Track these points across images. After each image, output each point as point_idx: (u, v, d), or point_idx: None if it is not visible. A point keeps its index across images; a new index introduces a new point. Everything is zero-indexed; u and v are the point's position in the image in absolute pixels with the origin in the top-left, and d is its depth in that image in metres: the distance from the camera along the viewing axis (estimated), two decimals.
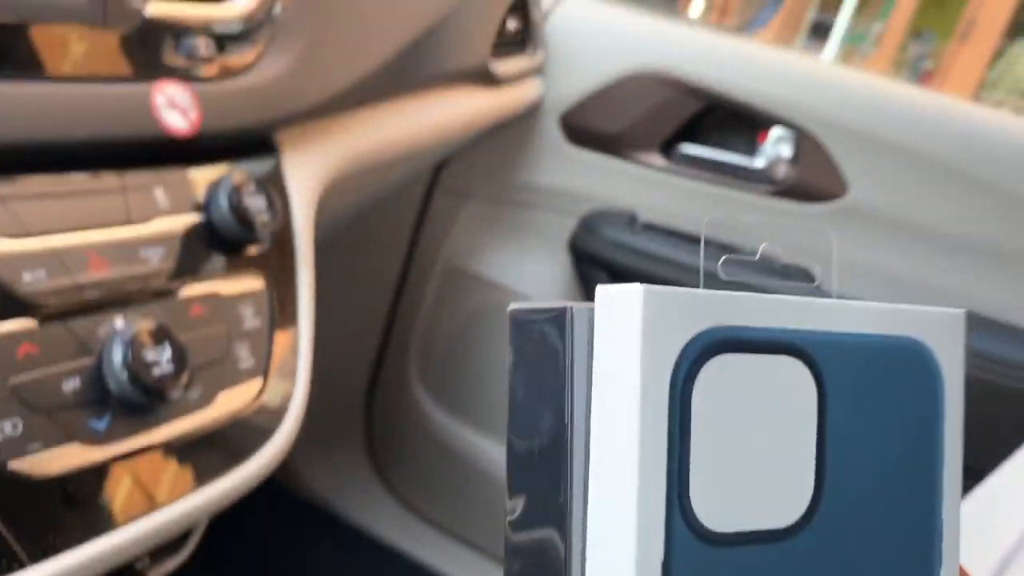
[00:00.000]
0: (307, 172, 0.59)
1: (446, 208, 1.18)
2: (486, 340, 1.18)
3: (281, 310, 0.53)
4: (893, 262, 0.94)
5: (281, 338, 0.52)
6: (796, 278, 1.03)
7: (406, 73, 0.76)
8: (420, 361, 1.23)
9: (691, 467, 0.23)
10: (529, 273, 1.14)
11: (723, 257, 0.27)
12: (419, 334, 1.22)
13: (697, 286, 0.24)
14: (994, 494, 0.75)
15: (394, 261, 1.23)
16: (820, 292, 0.29)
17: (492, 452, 1.19)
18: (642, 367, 0.23)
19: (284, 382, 0.52)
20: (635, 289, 0.23)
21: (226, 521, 1.25)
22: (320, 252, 1.23)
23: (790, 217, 0.99)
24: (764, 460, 0.24)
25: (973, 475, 0.79)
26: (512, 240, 1.15)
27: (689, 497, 0.23)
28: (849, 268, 0.97)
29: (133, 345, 0.41)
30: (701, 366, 0.23)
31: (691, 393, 0.23)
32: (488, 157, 1.13)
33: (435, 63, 0.84)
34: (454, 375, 1.21)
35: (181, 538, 0.58)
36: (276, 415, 0.51)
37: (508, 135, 1.10)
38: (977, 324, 0.91)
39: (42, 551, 0.38)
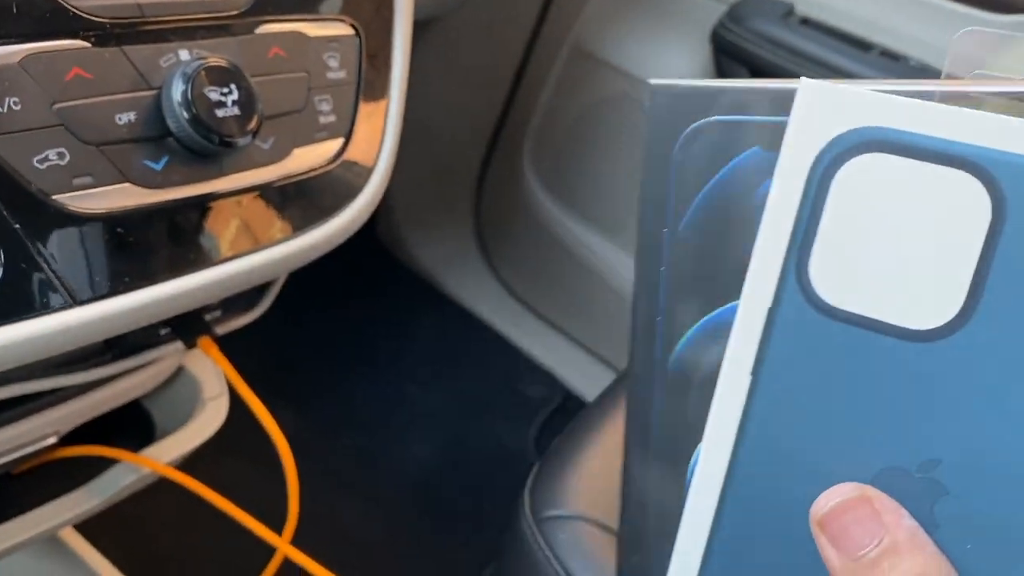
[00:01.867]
0: None
1: None
2: (605, 131, 1.10)
3: (371, 64, 0.47)
4: None
5: (370, 95, 0.47)
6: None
7: None
8: (535, 147, 1.17)
9: (816, 241, 0.25)
10: (662, 64, 1.04)
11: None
12: (537, 119, 1.15)
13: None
14: None
15: (518, 41, 1.14)
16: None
17: (596, 245, 1.14)
18: (789, 150, 0.25)
19: (370, 142, 0.47)
20: (800, 83, 0.25)
21: (332, 282, 1.28)
22: (443, 28, 1.16)
23: (968, 25, 0.84)
24: (906, 262, 0.24)
25: None
26: (648, 25, 1.04)
27: (808, 266, 0.25)
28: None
29: (196, 81, 0.37)
30: (848, 159, 0.24)
31: (831, 179, 0.25)
32: None
33: None
34: (568, 164, 1.15)
35: (258, 293, 0.57)
36: (360, 175, 0.46)
37: None
38: None
39: (91, 291, 0.36)
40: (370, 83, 0.47)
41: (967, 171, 0.24)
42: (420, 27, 1.16)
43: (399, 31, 0.49)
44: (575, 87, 1.11)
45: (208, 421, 0.66)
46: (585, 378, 1.21)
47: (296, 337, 1.21)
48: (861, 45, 0.90)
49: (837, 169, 0.25)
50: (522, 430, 1.15)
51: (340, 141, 0.46)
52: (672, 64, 1.03)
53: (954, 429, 0.25)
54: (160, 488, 0.66)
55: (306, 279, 1.30)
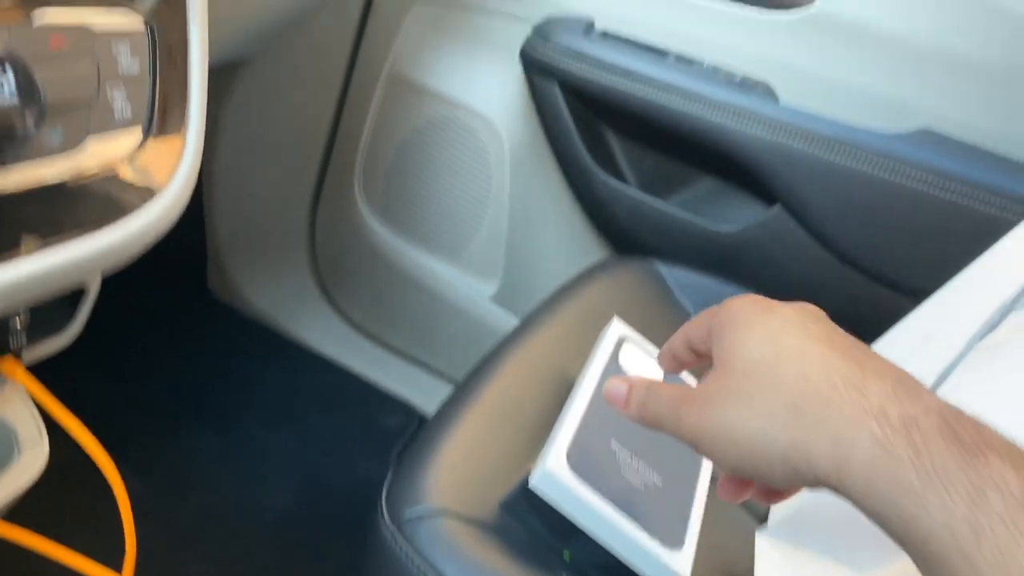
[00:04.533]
0: None
1: (389, 13, 1.09)
2: (432, 154, 1.12)
3: (169, 60, 0.47)
4: (855, 75, 0.89)
5: (166, 90, 0.46)
6: (755, 92, 0.95)
7: None
8: (365, 177, 1.18)
9: None
10: (478, 85, 1.07)
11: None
12: (363, 148, 1.16)
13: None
14: (938, 310, 0.73)
15: (335, 74, 1.15)
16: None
17: (434, 267, 1.16)
18: None
19: (171, 138, 0.46)
20: None
21: (165, 340, 1.22)
22: (255, 71, 1.15)
23: (752, 25, 0.92)
24: None
25: (920, 294, 0.77)
26: (460, 48, 1.08)
27: None
28: (810, 80, 0.92)
29: None
30: None
31: None
32: None
33: None
34: (399, 191, 1.16)
35: (67, 317, 0.54)
36: (162, 172, 0.45)
37: None
38: (932, 140, 0.87)
39: None
40: (167, 78, 0.47)
41: None
42: (230, 72, 1.15)
43: (195, 26, 0.48)
44: (397, 114, 1.12)
45: (24, 470, 0.61)
46: (439, 400, 1.20)
47: (132, 400, 1.15)
48: (658, 52, 0.96)
49: None
50: (382, 460, 1.14)
51: (138, 135, 0.45)
52: (488, 83, 1.07)
53: None
54: None
55: (139, 339, 1.24)
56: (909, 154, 0.86)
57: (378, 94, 1.12)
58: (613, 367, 0.64)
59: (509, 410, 0.67)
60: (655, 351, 0.69)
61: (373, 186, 1.17)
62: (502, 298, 1.13)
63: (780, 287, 0.94)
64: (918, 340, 0.70)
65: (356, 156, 1.16)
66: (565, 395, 0.62)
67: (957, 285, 0.72)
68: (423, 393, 1.21)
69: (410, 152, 1.13)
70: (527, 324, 0.77)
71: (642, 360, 0.67)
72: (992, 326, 0.55)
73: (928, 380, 0.62)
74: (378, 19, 1.10)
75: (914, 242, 0.88)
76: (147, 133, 0.45)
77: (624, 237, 1.03)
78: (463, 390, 0.71)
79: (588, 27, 0.99)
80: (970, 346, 0.55)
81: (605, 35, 0.98)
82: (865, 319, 0.90)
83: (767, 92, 0.93)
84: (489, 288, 1.14)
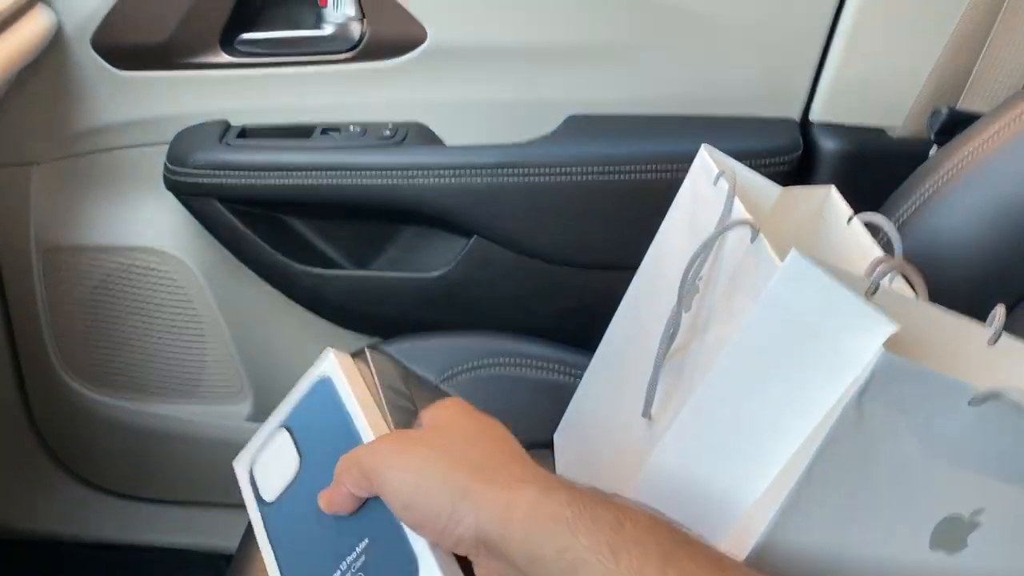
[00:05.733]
0: None
1: (10, 184, 0.99)
2: (124, 306, 1.04)
3: None
4: (491, 90, 0.90)
5: None
6: (412, 137, 0.92)
7: None
8: (59, 349, 1.07)
9: None
10: (139, 224, 1.00)
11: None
12: (46, 323, 1.06)
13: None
14: (631, 310, 0.75)
15: None
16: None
17: (176, 413, 1.09)
18: None
19: None
20: None
21: None
22: None
23: (380, 77, 0.91)
24: None
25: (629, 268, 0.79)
26: (104, 194, 1.00)
27: None
28: (456, 109, 0.92)
29: None
30: None
31: None
32: (30, 113, 0.94)
33: None
34: (101, 351, 1.07)
35: None
36: None
37: (41, 81, 0.91)
38: (580, 124, 0.90)
39: None
40: None
41: None
42: None
43: None
44: (67, 281, 1.03)
45: None
46: (229, 532, 1.15)
47: None
48: (302, 131, 0.93)
49: None
50: None
51: None
52: (148, 221, 1.00)
53: None
54: None
55: None
56: (559, 150, 0.89)
57: (37, 269, 1.02)
58: None
59: None
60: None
61: (74, 356, 1.08)
62: (261, 414, 1.08)
63: (502, 309, 0.96)
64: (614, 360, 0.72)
65: (42, 335, 1.06)
66: None
67: (643, 266, 0.74)
68: (220, 535, 1.15)
69: (100, 312, 1.04)
70: None
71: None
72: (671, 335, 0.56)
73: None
74: (1, 198, 0.99)
75: (602, 223, 0.91)
76: None
77: (346, 315, 1.01)
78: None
79: (223, 130, 0.94)
80: (657, 367, 0.57)
81: (243, 133, 0.94)
82: (585, 306, 0.93)
83: (422, 132, 0.93)
84: (243, 409, 1.09)
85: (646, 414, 0.56)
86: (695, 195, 0.61)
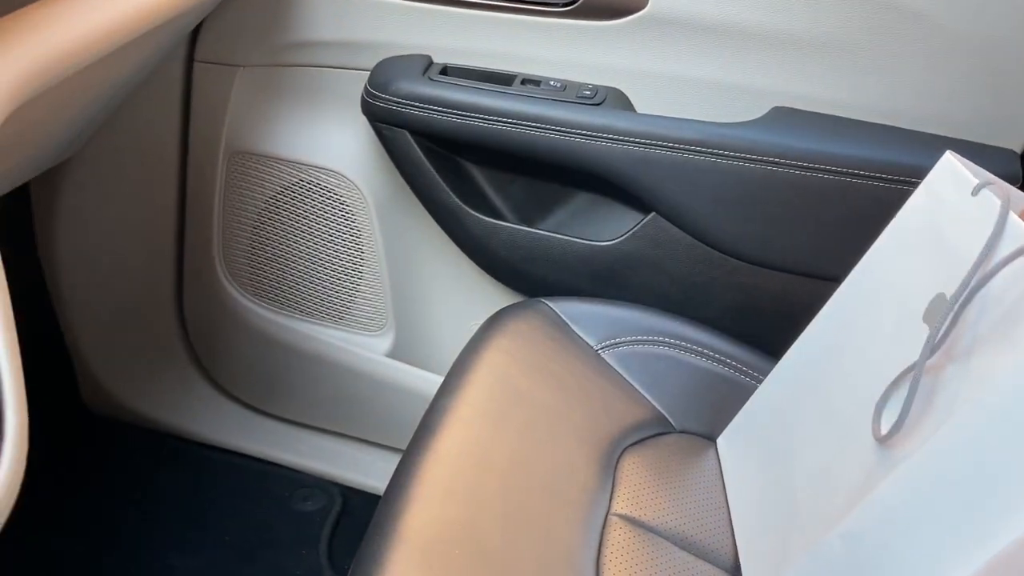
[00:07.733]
0: None
1: (213, 86, 1.02)
2: (293, 221, 1.06)
3: None
4: (699, 68, 0.88)
5: None
6: (609, 101, 0.92)
7: None
8: (225, 255, 1.11)
9: None
10: (326, 142, 1.02)
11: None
12: (218, 227, 1.09)
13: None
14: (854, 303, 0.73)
15: (170, 153, 1.07)
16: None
17: (316, 332, 1.11)
18: None
19: None
20: None
21: (47, 476, 1.13)
22: (83, 156, 1.07)
23: (590, 37, 0.90)
24: None
25: (813, 275, 0.76)
26: (299, 108, 1.02)
27: None
28: (658, 81, 0.90)
29: None
30: None
31: None
32: (246, 17, 0.97)
33: None
34: (264, 263, 1.10)
35: None
36: None
37: None
38: (786, 117, 0.87)
39: None
40: None
41: None
42: (50, 175, 1.06)
43: None
44: (246, 187, 1.06)
45: None
46: (358, 467, 1.16)
47: (26, 548, 1.06)
48: (503, 79, 0.93)
49: None
50: (311, 551, 1.08)
51: None
52: (335, 141, 1.01)
53: None
54: None
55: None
56: (765, 137, 0.86)
57: (221, 171, 1.05)
58: None
59: (469, 483, 0.63)
60: None
61: (237, 263, 1.11)
62: (399, 352, 1.09)
63: (670, 291, 0.94)
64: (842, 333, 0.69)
65: (212, 236, 1.09)
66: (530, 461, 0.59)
67: (854, 277, 0.71)
68: (336, 464, 1.16)
69: (269, 222, 1.07)
70: (447, 393, 0.73)
71: None
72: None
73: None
74: (202, 95, 1.03)
75: (793, 223, 0.88)
76: None
77: (507, 269, 1.01)
78: (409, 460, 0.66)
79: (426, 65, 0.95)
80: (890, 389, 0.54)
81: (445, 71, 0.94)
82: (758, 306, 0.91)
83: (620, 98, 0.92)
84: (383, 344, 1.10)
85: (877, 435, 0.53)
86: (938, 206, 0.58)
